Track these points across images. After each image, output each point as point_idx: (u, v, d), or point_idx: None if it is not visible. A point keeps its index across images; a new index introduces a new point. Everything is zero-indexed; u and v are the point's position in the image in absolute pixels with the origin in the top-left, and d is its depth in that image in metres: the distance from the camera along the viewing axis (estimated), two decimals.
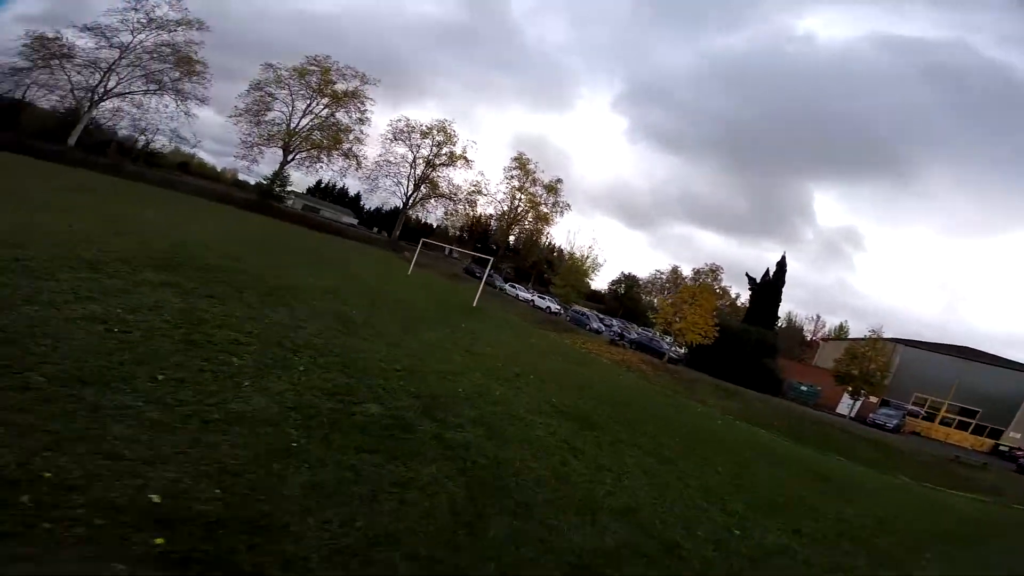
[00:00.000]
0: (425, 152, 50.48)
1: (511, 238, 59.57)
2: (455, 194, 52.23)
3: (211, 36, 39.18)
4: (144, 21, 36.13)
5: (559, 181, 56.73)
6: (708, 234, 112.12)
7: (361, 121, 46.67)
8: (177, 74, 37.96)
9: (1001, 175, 78.89)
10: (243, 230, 19.78)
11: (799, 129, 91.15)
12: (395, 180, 50.06)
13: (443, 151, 50.72)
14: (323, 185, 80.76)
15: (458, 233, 64.33)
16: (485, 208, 56.99)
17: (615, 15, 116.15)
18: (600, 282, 68.91)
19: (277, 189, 43.47)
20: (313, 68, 43.55)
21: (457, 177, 59.17)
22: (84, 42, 35.28)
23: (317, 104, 44.39)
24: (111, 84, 36.53)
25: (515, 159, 55.62)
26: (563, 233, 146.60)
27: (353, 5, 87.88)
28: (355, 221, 67.04)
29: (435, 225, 61.54)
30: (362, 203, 77.11)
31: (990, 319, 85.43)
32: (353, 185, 72.66)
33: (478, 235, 63.95)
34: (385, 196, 53.31)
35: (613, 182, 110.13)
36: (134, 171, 33.57)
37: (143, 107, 38.57)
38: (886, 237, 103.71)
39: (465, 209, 54.34)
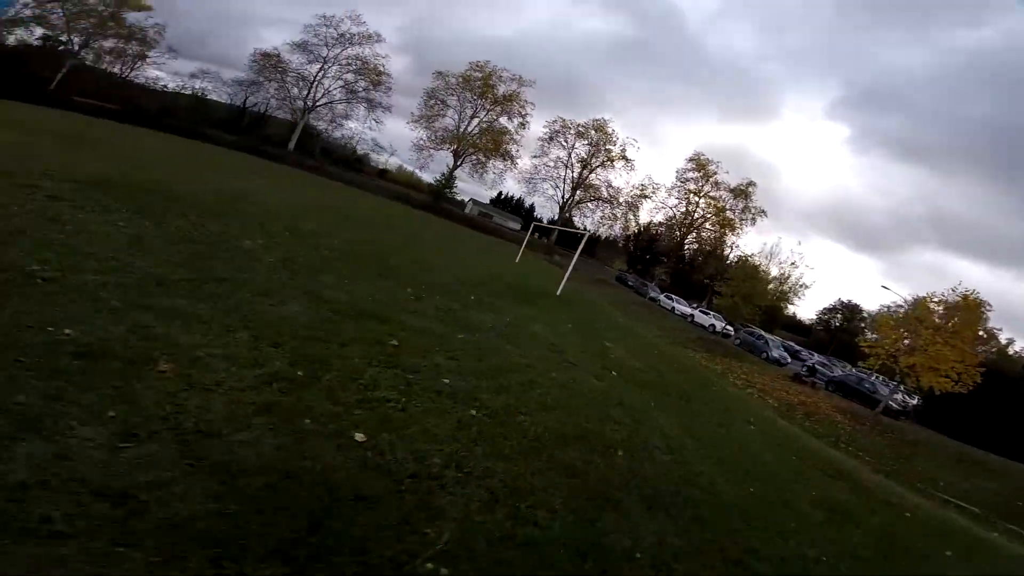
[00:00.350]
0: (581, 153, 47.56)
1: (686, 248, 52.10)
2: (615, 197, 47.92)
3: (409, 61, 43.54)
4: (336, 36, 41.48)
5: (750, 184, 47.75)
6: (968, 263, 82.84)
7: (522, 125, 46.25)
8: (365, 83, 42.69)
9: None
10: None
11: None
12: (553, 183, 48.22)
13: (600, 152, 47.04)
14: (502, 196, 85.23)
15: (620, 241, 59.36)
16: (653, 215, 51.26)
17: (815, 19, 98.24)
18: (806, 309, 56.11)
19: (446, 191, 45.49)
20: (476, 74, 44.63)
21: (618, 179, 54.60)
22: (296, 57, 42.03)
23: (481, 108, 45.46)
24: (318, 95, 42.88)
25: (691, 159, 48.66)
26: (757, 245, 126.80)
27: (525, 27, 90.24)
28: (517, 226, 67.76)
29: (593, 231, 57.83)
30: (537, 215, 78.36)
31: None
32: (525, 195, 73.82)
33: (644, 243, 57.81)
34: (543, 201, 51.98)
35: (833, 197, 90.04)
36: (333, 172, 38.42)
37: (343, 115, 44.49)
38: None
39: (626, 213, 49.34)
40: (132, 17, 36.35)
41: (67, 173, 6.90)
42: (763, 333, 29.78)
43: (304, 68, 41.88)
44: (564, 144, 47.68)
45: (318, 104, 42.98)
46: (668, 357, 11.66)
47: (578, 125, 47.15)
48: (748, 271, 31.07)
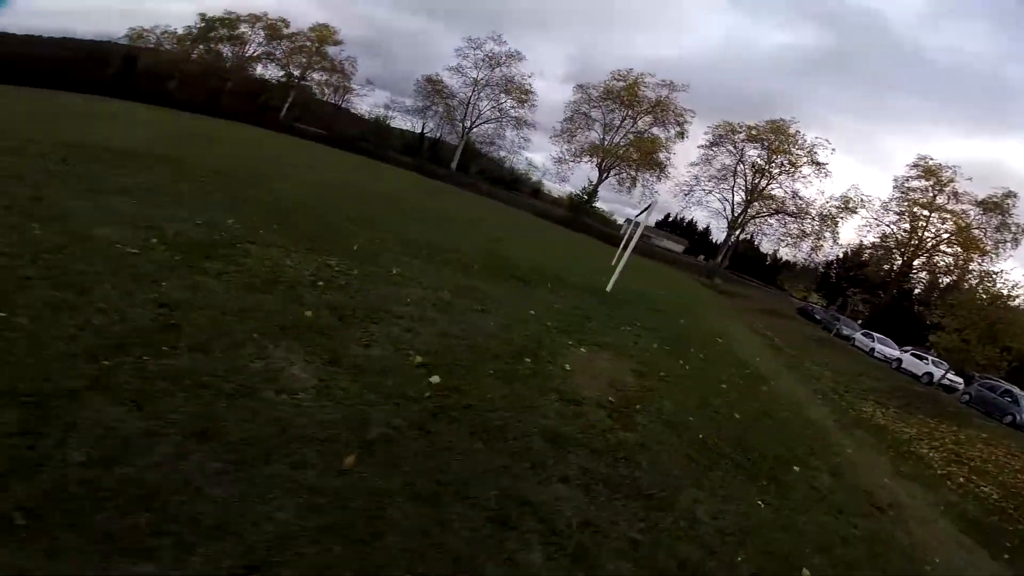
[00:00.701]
0: (755, 159, 40.57)
1: (913, 278, 40.12)
2: (803, 211, 39.59)
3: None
4: (483, 58, 43.40)
5: (1008, 196, 35.03)
6: None
7: (680, 135, 41.78)
8: (512, 102, 43.85)
9: None
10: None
11: None
12: (719, 196, 42.22)
13: (779, 156, 39.41)
14: (670, 219, 79.17)
15: (811, 264, 48.79)
16: (861, 234, 41.17)
17: None
18: None
19: (587, 204, 43.68)
20: (618, 83, 42.04)
21: (807, 189, 45.04)
22: (453, 81, 45.10)
23: (627, 119, 42.55)
24: (474, 116, 45.39)
25: (914, 164, 37.87)
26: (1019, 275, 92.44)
27: (694, 47, 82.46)
28: (681, 248, 61.32)
29: (778, 255, 48.91)
30: (712, 237, 70.72)
31: None
32: (682, 210, 66.75)
33: (848, 269, 46.23)
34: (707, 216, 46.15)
35: None
36: (487, 190, 40.31)
37: (497, 135, 46.43)
38: None
39: (820, 230, 40.29)
40: (332, 51, 43.74)
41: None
42: (1012, 388, 19.75)
43: (461, 91, 44.70)
44: (732, 150, 41.51)
45: (475, 125, 45.50)
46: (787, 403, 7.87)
47: (749, 127, 40.46)
48: (989, 299, 20.40)
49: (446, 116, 45.26)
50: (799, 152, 38.70)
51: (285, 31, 43.64)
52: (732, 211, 41.89)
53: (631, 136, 43.02)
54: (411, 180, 26.71)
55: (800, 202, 39.50)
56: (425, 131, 48.51)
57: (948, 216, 36.63)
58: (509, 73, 43.87)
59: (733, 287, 36.36)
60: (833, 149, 40.82)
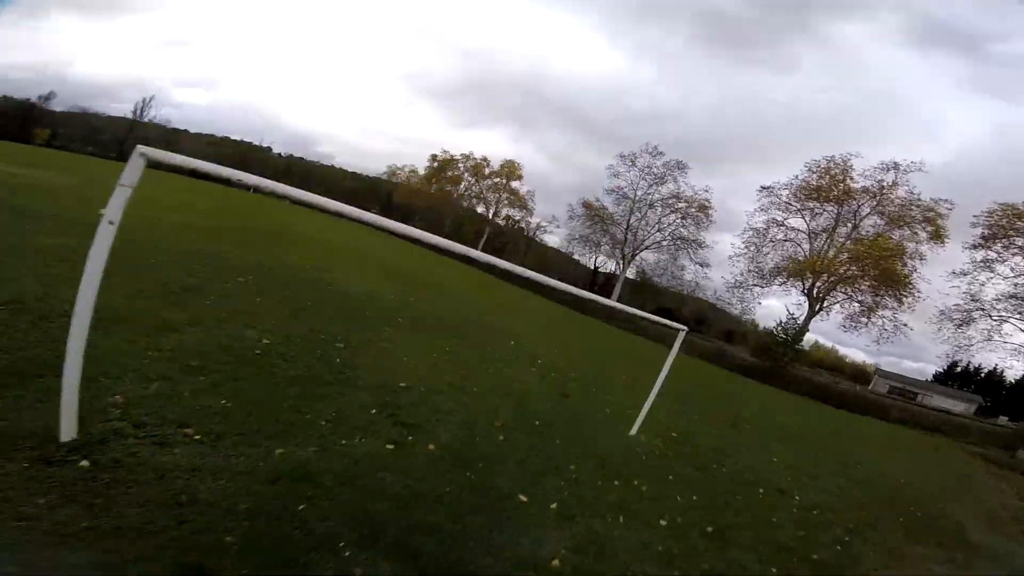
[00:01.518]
0: None
1: None
2: None
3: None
4: (639, 173, 39.31)
5: None
6: None
7: (936, 236, 28.95)
8: (688, 221, 38.02)
9: None
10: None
11: None
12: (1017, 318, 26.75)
13: None
14: (958, 368, 55.99)
15: None
16: None
17: None
18: None
19: (792, 344, 31.14)
20: (818, 179, 31.88)
21: None
22: (610, 204, 41.57)
23: (842, 222, 31.55)
24: (639, 240, 40.79)
25: None
26: None
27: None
28: (972, 407, 40.63)
29: None
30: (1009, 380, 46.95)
31: None
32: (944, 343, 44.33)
33: None
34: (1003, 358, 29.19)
35: None
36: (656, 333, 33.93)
37: (673, 264, 40.38)
38: None
39: None
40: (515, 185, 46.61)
41: None
42: None
43: (618, 214, 41.16)
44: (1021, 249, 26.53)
45: (637, 251, 40.83)
46: None
47: None
48: None
49: (609, 243, 42.21)
50: None
51: (485, 170, 49.23)
52: None
53: (857, 244, 30.78)
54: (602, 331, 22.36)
55: None
56: (597, 264, 46.43)
57: None
58: (678, 189, 39.25)
59: None
60: None
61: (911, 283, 28.94)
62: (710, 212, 37.77)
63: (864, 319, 30.36)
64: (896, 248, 28.84)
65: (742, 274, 34.39)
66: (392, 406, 4.23)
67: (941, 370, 52.20)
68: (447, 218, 50.54)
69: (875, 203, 30.63)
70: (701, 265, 38.51)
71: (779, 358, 26.47)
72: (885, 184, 30.16)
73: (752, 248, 34.31)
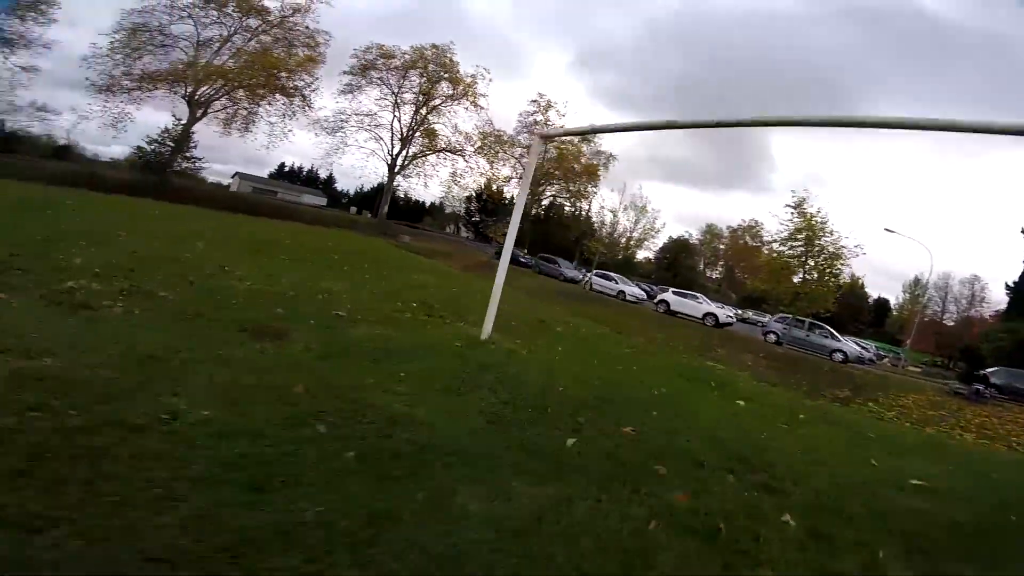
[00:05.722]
0: (415, 93, 34.17)
1: (542, 203, 41.67)
2: (462, 147, 35.80)
3: None
4: None
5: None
6: (684, 189, 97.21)
7: (311, 60, 30.32)
8: None
9: (941, 113, 63.39)
10: None
11: (747, 77, 73.58)
12: (374, 135, 34.19)
13: (440, 86, 34.32)
14: (287, 168, 64.53)
15: (465, 206, 47.47)
16: (500, 168, 39.17)
17: None
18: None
19: (176, 157, 27.61)
20: None
21: (466, 123, 40.28)
22: None
23: (229, 25, 28.10)
24: None
25: (533, 101, 37.45)
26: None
27: None
28: (323, 202, 50.99)
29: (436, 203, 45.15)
30: (337, 185, 61.06)
31: None
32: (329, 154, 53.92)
33: (497, 204, 45.82)
34: (359, 163, 37.28)
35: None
36: None
37: None
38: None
39: (478, 168, 37.39)
40: None
41: None
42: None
43: None
44: (384, 81, 33.55)
45: None
46: None
47: (404, 53, 33.21)
48: None
49: None
50: (458, 80, 33.91)
51: None
52: (389, 155, 34.74)
53: (243, 54, 28.92)
54: None
55: (459, 137, 35.25)
56: None
57: (568, 148, 38.62)
58: None
59: (420, 243, 30.35)
60: (491, 80, 36.92)
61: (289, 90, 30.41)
62: None
63: (248, 120, 30.42)
64: (283, 62, 29.06)
65: (110, 76, 25.74)
66: None
67: (273, 171, 60.12)
68: None
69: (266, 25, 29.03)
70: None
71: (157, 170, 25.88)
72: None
73: (127, 51, 26.19)
